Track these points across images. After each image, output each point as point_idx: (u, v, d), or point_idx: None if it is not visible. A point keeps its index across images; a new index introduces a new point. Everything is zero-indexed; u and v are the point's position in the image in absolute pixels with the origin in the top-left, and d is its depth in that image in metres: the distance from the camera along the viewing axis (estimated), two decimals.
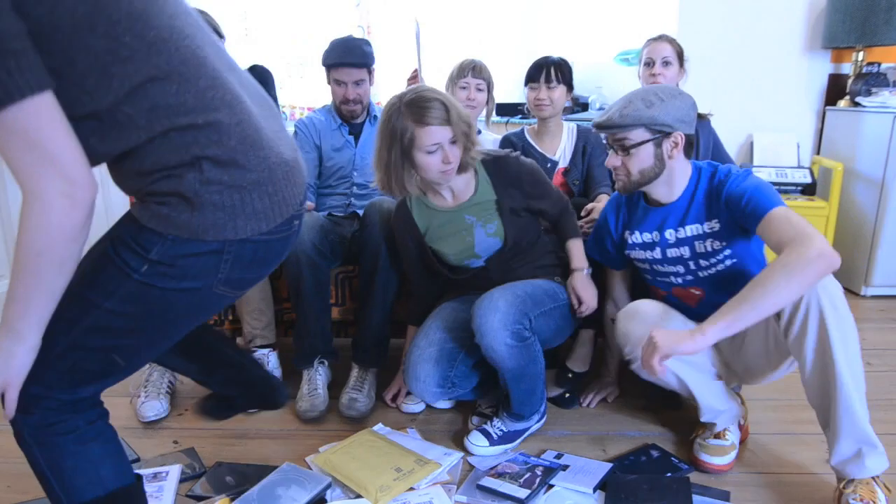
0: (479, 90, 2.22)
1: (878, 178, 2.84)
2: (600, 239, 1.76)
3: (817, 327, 1.31)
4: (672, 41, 2.22)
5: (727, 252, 1.51)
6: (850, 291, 3.02)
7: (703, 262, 1.55)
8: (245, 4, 3.76)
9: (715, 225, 1.52)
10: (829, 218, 2.94)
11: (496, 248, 1.71)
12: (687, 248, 1.56)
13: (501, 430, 1.67)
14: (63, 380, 0.96)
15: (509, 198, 1.69)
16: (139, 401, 1.85)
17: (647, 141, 1.48)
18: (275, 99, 2.20)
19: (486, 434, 1.66)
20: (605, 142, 1.61)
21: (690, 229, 1.55)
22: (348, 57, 2.10)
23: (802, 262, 1.25)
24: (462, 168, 1.63)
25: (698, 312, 1.48)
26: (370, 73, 2.18)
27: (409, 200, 1.75)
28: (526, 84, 2.15)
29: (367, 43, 2.19)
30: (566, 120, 2.26)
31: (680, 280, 1.61)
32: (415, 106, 1.50)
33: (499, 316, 1.52)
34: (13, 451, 1.69)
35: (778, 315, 1.36)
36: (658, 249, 1.60)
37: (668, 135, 1.48)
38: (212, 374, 1.30)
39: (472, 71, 2.20)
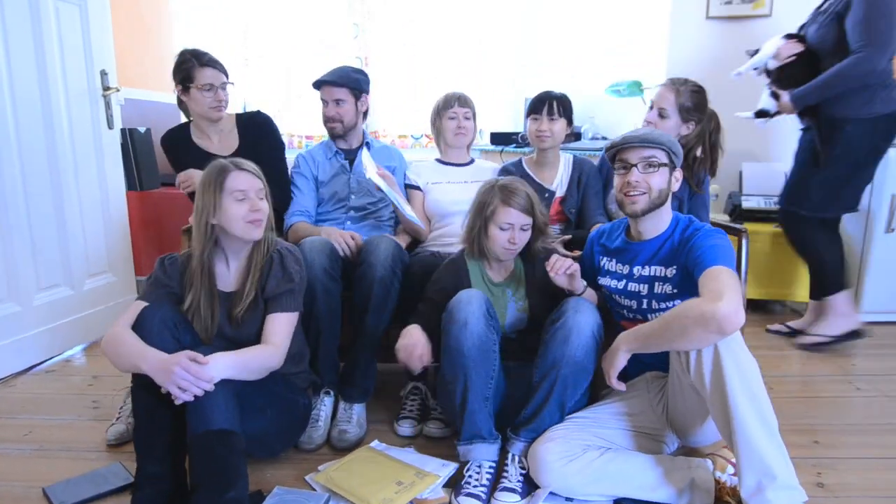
0: (467, 118, 2.27)
1: (863, 207, 2.89)
2: (583, 265, 1.82)
3: (712, 357, 1.37)
4: (680, 91, 2.07)
5: (678, 301, 1.58)
6: None
7: (654, 304, 1.64)
8: (245, 33, 3.85)
9: (673, 270, 1.60)
10: None
11: (523, 325, 1.79)
12: (646, 286, 1.65)
13: (521, 476, 1.61)
14: None
15: (535, 270, 1.82)
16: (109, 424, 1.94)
17: (666, 165, 1.60)
18: (281, 142, 2.33)
19: (511, 490, 1.57)
20: (614, 164, 1.66)
21: (655, 269, 1.64)
22: (328, 76, 2.22)
23: (697, 317, 1.34)
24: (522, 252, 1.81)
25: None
26: (355, 96, 2.24)
27: (468, 258, 1.86)
28: (528, 116, 2.20)
29: (357, 71, 2.29)
30: (562, 149, 2.32)
31: (630, 315, 1.70)
32: (506, 189, 1.75)
33: (592, 312, 1.61)
34: (11, 475, 1.71)
35: (678, 353, 1.46)
36: (623, 281, 1.69)
37: (675, 167, 1.62)
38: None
39: (458, 101, 2.25)
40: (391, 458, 1.70)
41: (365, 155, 2.10)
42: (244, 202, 1.57)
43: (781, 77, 2.47)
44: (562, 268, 1.65)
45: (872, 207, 2.87)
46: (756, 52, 2.56)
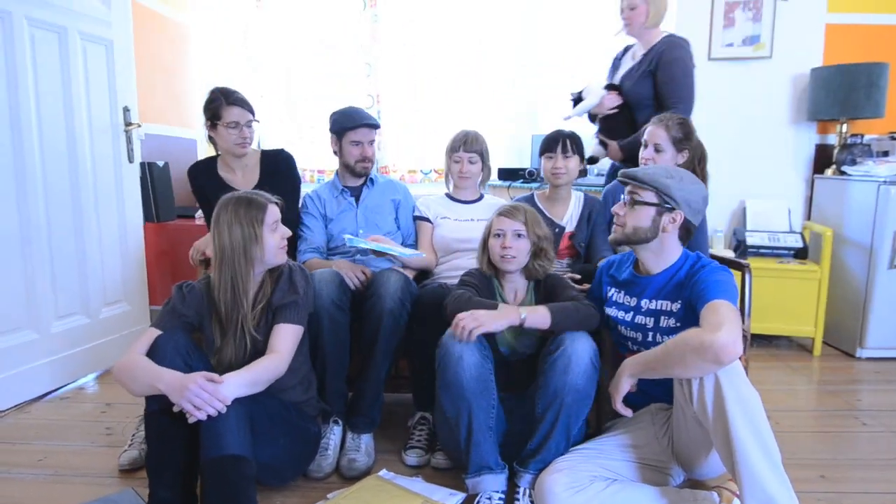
0: (472, 163, 2.32)
1: (866, 243, 2.95)
2: (591, 293, 1.89)
3: (713, 388, 1.40)
4: (669, 125, 2.18)
5: None
6: (846, 353, 3.08)
7: (658, 337, 1.67)
8: (260, 71, 3.99)
9: (678, 305, 1.64)
10: (822, 281, 3.03)
11: (533, 348, 1.82)
12: (652, 319, 1.69)
13: None
14: None
15: (540, 293, 1.89)
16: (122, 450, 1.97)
17: (653, 204, 1.64)
18: (297, 179, 2.44)
19: None
20: (622, 193, 1.74)
21: (661, 304, 1.68)
22: (365, 119, 2.30)
23: (696, 346, 1.38)
24: (529, 273, 1.88)
25: (640, 380, 1.60)
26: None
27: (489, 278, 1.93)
28: (541, 154, 2.28)
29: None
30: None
31: (635, 347, 1.74)
32: (502, 207, 1.92)
33: (587, 339, 1.66)
34: (25, 500, 1.74)
35: (680, 384, 1.49)
36: (631, 313, 1.74)
37: (671, 209, 1.64)
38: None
39: (463, 145, 2.31)
40: (399, 487, 1.73)
41: (352, 239, 2.11)
42: (276, 231, 1.68)
43: (606, 127, 2.63)
44: (463, 332, 1.61)
45: (875, 245, 2.91)
46: (579, 94, 2.66)
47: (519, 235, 1.83)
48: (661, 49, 2.49)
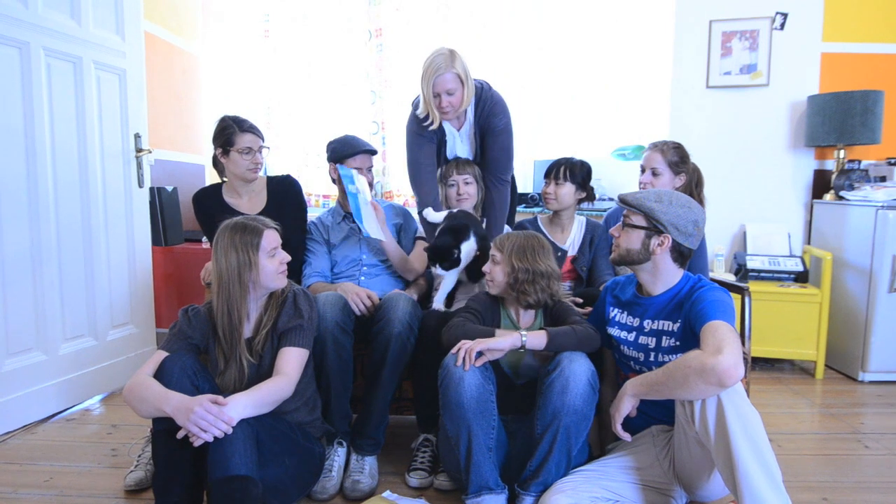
0: (467, 183, 2.37)
1: (866, 267, 2.97)
2: (595, 313, 1.92)
3: (715, 409, 1.42)
4: (665, 150, 2.24)
5: (681, 354, 1.63)
6: (848, 376, 3.08)
7: (660, 357, 1.70)
8: (268, 100, 4.07)
9: (678, 325, 1.67)
10: (823, 305, 3.05)
11: (534, 373, 1.85)
12: (654, 340, 1.72)
13: None
14: None
15: (551, 317, 1.91)
16: (128, 471, 1.98)
17: (641, 227, 1.69)
18: (304, 205, 2.50)
19: None
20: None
21: (663, 324, 1.71)
22: (364, 146, 2.36)
23: (699, 369, 1.40)
24: (519, 300, 1.87)
25: (641, 401, 1.61)
26: None
27: (501, 305, 1.95)
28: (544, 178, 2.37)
29: None
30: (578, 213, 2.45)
31: (637, 367, 1.77)
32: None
33: (585, 360, 1.68)
34: None
35: (682, 405, 1.51)
36: (634, 333, 1.77)
37: (659, 233, 1.67)
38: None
39: (455, 169, 2.37)
40: None
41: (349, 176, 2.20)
42: (275, 257, 1.70)
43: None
44: (468, 360, 1.65)
45: (874, 268, 2.93)
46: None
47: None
48: (488, 116, 2.31)
